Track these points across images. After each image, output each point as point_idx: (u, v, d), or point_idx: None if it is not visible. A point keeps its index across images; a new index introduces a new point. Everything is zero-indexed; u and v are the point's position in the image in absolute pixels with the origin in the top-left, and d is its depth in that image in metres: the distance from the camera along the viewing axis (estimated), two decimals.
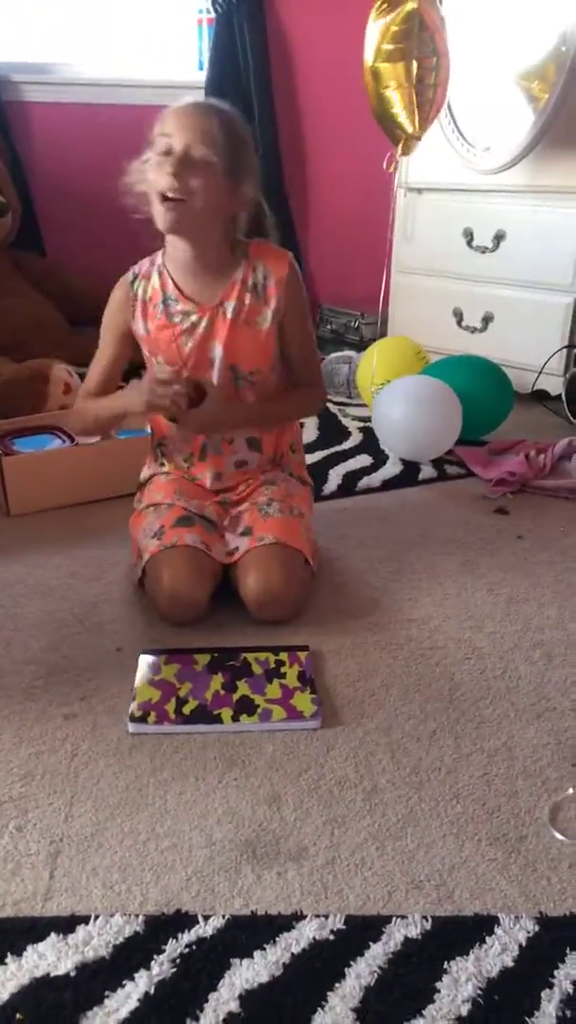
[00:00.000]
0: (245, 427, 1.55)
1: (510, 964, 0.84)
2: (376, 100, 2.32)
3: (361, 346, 2.97)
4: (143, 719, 1.19)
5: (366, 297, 2.97)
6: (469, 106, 2.52)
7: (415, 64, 2.23)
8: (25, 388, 2.28)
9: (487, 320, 2.62)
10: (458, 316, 2.69)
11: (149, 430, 1.67)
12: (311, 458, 2.07)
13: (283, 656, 1.33)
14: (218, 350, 1.48)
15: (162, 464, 1.63)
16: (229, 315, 1.47)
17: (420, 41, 2.22)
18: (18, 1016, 0.79)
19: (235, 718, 1.20)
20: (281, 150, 3.23)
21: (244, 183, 1.40)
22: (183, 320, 1.48)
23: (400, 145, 2.36)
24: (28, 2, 3.10)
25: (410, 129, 2.34)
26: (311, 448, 2.18)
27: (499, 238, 2.54)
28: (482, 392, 2.24)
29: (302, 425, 1.77)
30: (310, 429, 2.36)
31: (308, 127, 3.29)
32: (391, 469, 2.11)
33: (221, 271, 1.47)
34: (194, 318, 1.48)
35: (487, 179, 2.53)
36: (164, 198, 1.35)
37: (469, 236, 2.61)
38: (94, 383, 1.60)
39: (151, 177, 1.36)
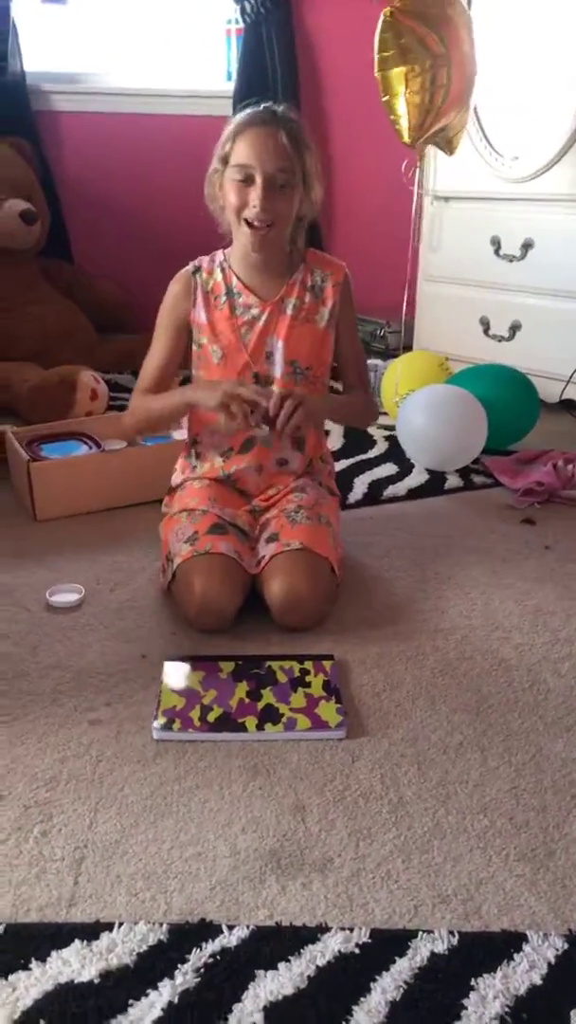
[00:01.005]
0: (330, 415, 1.65)
1: (538, 982, 0.83)
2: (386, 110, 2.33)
3: (387, 354, 2.96)
4: (168, 726, 1.19)
5: (392, 305, 2.96)
6: (498, 115, 2.52)
7: (401, 72, 2.23)
8: (53, 394, 2.30)
9: (514, 329, 2.60)
10: (485, 325, 2.67)
11: (184, 432, 1.68)
12: (337, 466, 2.07)
13: (308, 665, 1.33)
14: (278, 344, 1.54)
15: (195, 467, 1.63)
16: (289, 311, 1.54)
17: (403, 48, 2.21)
18: (41, 1022, 0.79)
19: (260, 726, 1.20)
20: None
21: (315, 188, 1.47)
22: (244, 313, 1.53)
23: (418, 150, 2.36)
24: (59, 12, 3.14)
25: (404, 138, 2.33)
26: (336, 456, 2.18)
27: (527, 246, 2.52)
28: (508, 401, 2.22)
29: (327, 433, 1.77)
30: (335, 437, 2.35)
31: (335, 136, 3.30)
32: (417, 478, 2.10)
33: (282, 271, 1.55)
34: (255, 311, 1.53)
35: (515, 188, 2.52)
36: (249, 223, 1.44)
37: (496, 244, 2.59)
38: (149, 380, 1.60)
39: (232, 200, 1.43)
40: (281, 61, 3.09)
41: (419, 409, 2.10)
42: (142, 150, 3.21)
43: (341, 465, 2.15)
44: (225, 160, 1.43)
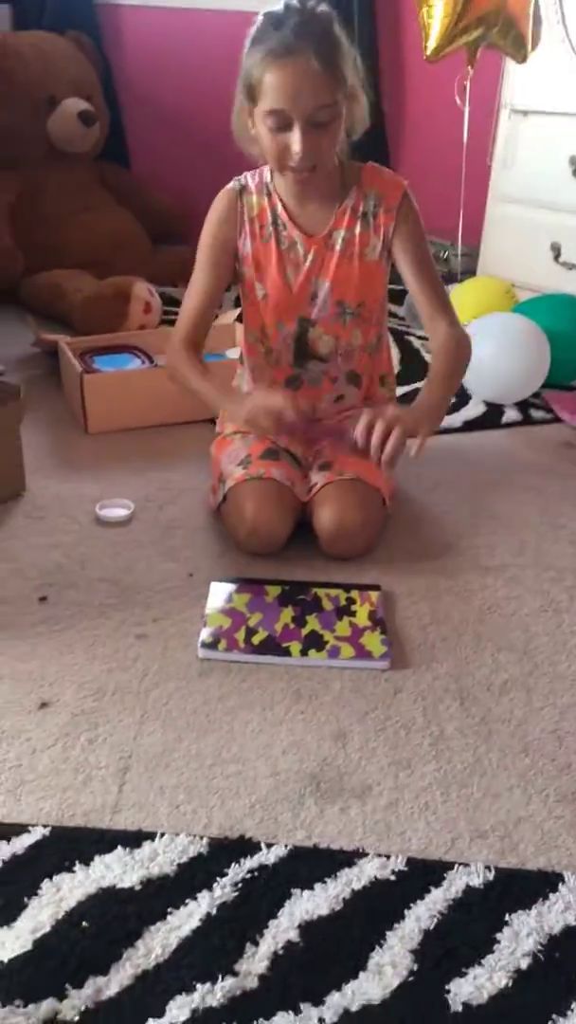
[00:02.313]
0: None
1: (573, 923, 0.83)
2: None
3: (450, 279, 2.86)
4: (213, 645, 1.20)
5: (459, 226, 2.84)
6: None
7: None
8: (106, 306, 2.27)
9: None
10: (556, 251, 2.55)
11: (237, 351, 1.63)
12: None
13: (354, 594, 1.32)
14: (324, 285, 1.44)
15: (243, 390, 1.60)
16: (338, 247, 1.41)
17: None
18: (83, 924, 0.82)
19: (304, 652, 1.20)
20: (380, 62, 3.07)
21: (360, 100, 1.32)
22: (290, 249, 1.42)
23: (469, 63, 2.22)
24: None
25: (427, 51, 2.19)
26: None
27: None
28: (574, 333, 2.13)
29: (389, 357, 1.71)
30: None
31: (409, 40, 3.10)
32: (473, 410, 2.04)
33: (332, 197, 1.41)
34: (301, 250, 1.42)
35: None
36: (292, 169, 1.30)
37: (575, 165, 2.45)
38: (190, 324, 1.46)
39: (269, 147, 1.29)
40: None
41: (479, 338, 2.01)
42: (208, 49, 3.05)
43: (397, 392, 2.09)
44: (252, 95, 1.26)
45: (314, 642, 1.22)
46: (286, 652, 1.20)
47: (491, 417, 2.01)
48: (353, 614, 1.28)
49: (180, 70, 3.08)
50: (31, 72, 2.64)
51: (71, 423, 1.89)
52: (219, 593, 1.31)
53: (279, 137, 1.26)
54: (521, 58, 2.29)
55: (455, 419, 1.99)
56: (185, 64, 3.08)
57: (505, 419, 2.01)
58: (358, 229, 1.41)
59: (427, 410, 1.38)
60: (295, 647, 1.21)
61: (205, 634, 1.22)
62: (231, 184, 1.45)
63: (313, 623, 1.26)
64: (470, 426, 1.97)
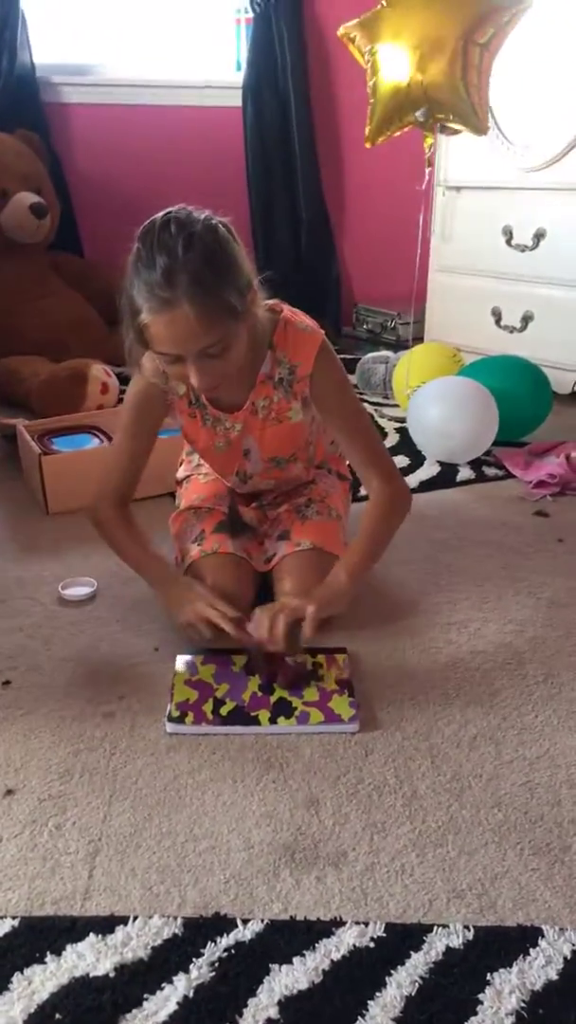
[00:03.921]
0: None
1: (554, 978, 0.83)
2: None
3: (398, 346, 2.95)
4: (181, 719, 1.19)
5: (404, 296, 2.94)
6: (510, 103, 2.49)
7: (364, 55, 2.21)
8: (63, 388, 2.30)
9: (526, 320, 2.59)
10: (496, 316, 2.65)
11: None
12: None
13: (321, 659, 1.32)
14: (254, 445, 1.43)
15: (197, 465, 1.62)
16: (260, 414, 1.39)
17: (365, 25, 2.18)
18: (57, 1017, 0.79)
19: (273, 720, 1.20)
20: (318, 149, 3.22)
21: (252, 303, 1.22)
22: (215, 425, 1.41)
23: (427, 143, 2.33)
24: (67, 3, 3.12)
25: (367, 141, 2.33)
26: None
27: (539, 236, 2.50)
28: (520, 392, 2.21)
29: None
30: None
31: (345, 125, 3.27)
32: (428, 470, 2.09)
33: (248, 373, 1.35)
34: (227, 424, 1.41)
35: (527, 177, 2.50)
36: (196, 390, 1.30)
37: (508, 234, 2.57)
38: (118, 487, 1.42)
39: (168, 372, 1.26)
40: (291, 51, 3.06)
41: (430, 401, 2.09)
42: (152, 141, 3.20)
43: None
44: (141, 339, 1.20)
45: (283, 709, 1.22)
46: (255, 721, 1.20)
47: (446, 476, 2.06)
48: (320, 678, 1.28)
49: (128, 161, 3.20)
50: None
51: (31, 505, 1.90)
52: (185, 666, 1.31)
53: (175, 368, 1.22)
54: (482, 130, 2.34)
55: (411, 480, 2.03)
56: (132, 155, 3.20)
57: (460, 477, 2.06)
58: (276, 396, 1.37)
59: (329, 596, 1.32)
60: (264, 715, 1.21)
61: (172, 708, 1.21)
62: (150, 375, 1.35)
63: (281, 690, 1.26)
64: (426, 486, 2.01)
